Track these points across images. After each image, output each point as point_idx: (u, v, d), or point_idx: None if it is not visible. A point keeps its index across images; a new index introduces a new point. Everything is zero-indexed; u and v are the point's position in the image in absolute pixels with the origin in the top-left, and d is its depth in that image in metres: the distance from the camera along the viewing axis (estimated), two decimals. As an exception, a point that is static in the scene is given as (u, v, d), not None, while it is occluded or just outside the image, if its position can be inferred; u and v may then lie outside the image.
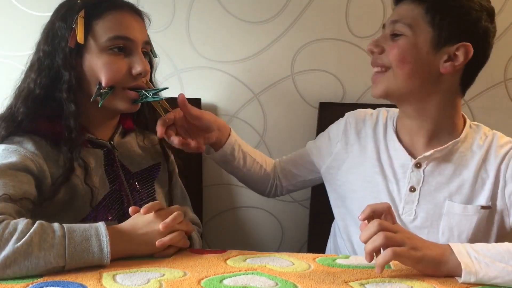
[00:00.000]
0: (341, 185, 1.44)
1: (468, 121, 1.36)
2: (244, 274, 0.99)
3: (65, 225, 1.03)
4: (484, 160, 1.31)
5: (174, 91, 1.93)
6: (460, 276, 0.98)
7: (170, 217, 1.13)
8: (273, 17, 1.90)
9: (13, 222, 1.00)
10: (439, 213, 1.30)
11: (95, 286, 0.93)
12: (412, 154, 1.34)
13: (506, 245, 1.03)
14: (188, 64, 1.92)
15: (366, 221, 1.05)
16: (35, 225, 1.00)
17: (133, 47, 1.25)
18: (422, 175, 1.31)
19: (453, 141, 1.31)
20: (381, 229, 1.00)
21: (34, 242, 0.97)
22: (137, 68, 1.24)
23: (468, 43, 1.23)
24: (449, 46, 1.24)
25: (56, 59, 1.22)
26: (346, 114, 1.52)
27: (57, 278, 0.96)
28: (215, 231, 2.02)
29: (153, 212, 1.14)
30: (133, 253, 1.10)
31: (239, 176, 1.55)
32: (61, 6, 1.27)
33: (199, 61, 1.92)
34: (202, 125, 1.36)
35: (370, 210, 1.05)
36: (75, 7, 1.23)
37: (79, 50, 1.22)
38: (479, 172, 1.30)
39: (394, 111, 1.44)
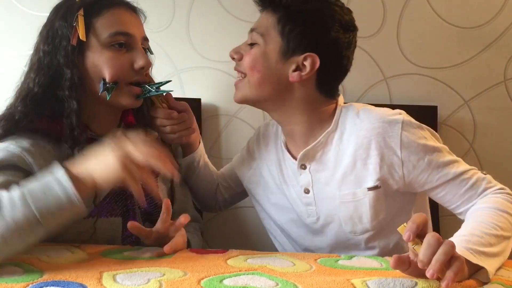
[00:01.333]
0: (254, 196, 1.48)
1: (339, 107, 1.32)
2: (244, 274, 0.99)
3: (21, 185, 1.03)
4: (361, 140, 1.26)
5: (174, 91, 1.93)
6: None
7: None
8: (273, 17, 1.90)
9: None
10: (336, 206, 1.29)
11: (95, 286, 0.92)
12: (295, 158, 1.34)
13: (480, 223, 1.08)
14: (188, 64, 1.92)
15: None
16: None
17: (134, 42, 1.28)
18: (310, 175, 1.32)
19: (324, 133, 1.30)
20: (442, 242, 0.91)
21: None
22: (139, 62, 1.27)
23: (314, 54, 1.23)
24: (296, 56, 1.25)
25: (57, 57, 1.23)
26: (260, 126, 1.54)
27: (57, 278, 0.95)
28: (215, 231, 2.02)
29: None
30: (93, 176, 1.04)
31: (194, 184, 1.56)
32: (59, 6, 1.29)
33: (199, 61, 1.92)
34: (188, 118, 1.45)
35: (416, 227, 0.93)
36: (74, 6, 1.25)
37: (81, 48, 1.24)
38: (358, 154, 1.26)
39: None
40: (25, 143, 1.18)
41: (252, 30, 1.31)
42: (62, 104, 1.23)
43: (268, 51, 1.27)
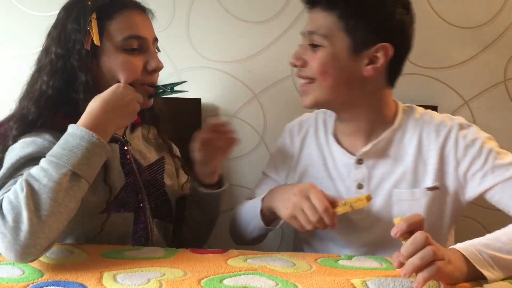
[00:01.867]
0: None
1: (400, 106, 1.35)
2: (244, 274, 0.99)
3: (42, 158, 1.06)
4: (421, 141, 1.30)
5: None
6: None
7: None
8: (273, 17, 1.90)
9: (10, 187, 1.03)
10: (389, 204, 1.30)
11: (95, 285, 0.93)
12: (352, 153, 1.33)
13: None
14: (188, 64, 1.92)
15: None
16: (22, 175, 1.03)
17: (146, 45, 1.30)
18: (366, 171, 1.31)
19: (387, 130, 1.31)
20: (428, 243, 0.94)
21: (33, 179, 1.01)
22: (152, 65, 1.29)
23: (386, 43, 1.22)
24: (367, 50, 1.23)
25: (70, 61, 1.23)
26: (286, 126, 1.53)
27: (58, 278, 0.96)
28: (215, 231, 2.01)
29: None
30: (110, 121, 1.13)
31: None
32: (69, 7, 1.28)
33: (199, 61, 1.92)
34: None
35: (407, 226, 0.96)
36: (86, 9, 1.24)
37: (94, 52, 1.24)
38: (419, 155, 1.29)
39: (331, 112, 1.42)
40: (47, 136, 1.19)
41: (310, 33, 1.26)
42: (76, 106, 1.22)
43: (337, 52, 1.23)
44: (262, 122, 1.96)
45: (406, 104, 1.38)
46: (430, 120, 1.32)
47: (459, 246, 1.00)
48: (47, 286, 0.93)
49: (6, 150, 1.18)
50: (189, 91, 1.90)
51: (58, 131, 1.19)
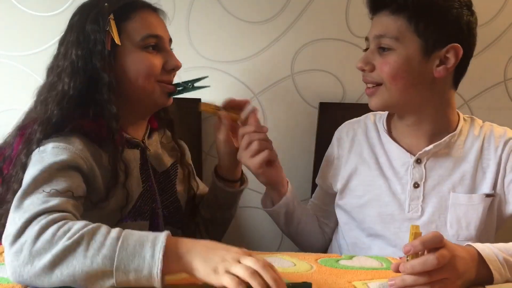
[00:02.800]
0: (341, 192, 1.45)
1: (461, 115, 1.38)
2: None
3: (125, 230, 0.96)
4: (482, 150, 1.33)
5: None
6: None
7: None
8: (273, 17, 1.90)
9: (71, 222, 0.95)
10: (445, 206, 1.31)
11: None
12: (410, 152, 1.35)
13: None
14: (188, 64, 1.91)
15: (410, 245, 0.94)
16: (90, 225, 0.95)
17: (163, 44, 1.30)
18: (424, 170, 1.32)
19: (450, 134, 1.32)
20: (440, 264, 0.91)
21: (85, 240, 0.92)
22: (171, 63, 1.31)
23: (456, 44, 1.23)
24: (438, 51, 1.24)
25: (92, 62, 1.22)
26: (336, 132, 1.53)
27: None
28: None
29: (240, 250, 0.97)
30: (189, 270, 0.94)
31: (297, 231, 1.51)
32: (85, 11, 1.27)
33: (199, 61, 1.92)
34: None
35: (422, 247, 0.92)
36: (104, 10, 1.24)
37: (114, 52, 1.24)
38: (479, 162, 1.32)
39: (381, 114, 1.46)
40: (77, 143, 1.16)
41: (379, 36, 1.26)
42: (101, 107, 1.21)
43: (409, 54, 1.23)
44: (262, 122, 1.95)
45: (466, 115, 1.40)
46: (492, 130, 1.36)
47: (476, 244, 1.01)
48: (47, 286, 0.93)
49: (30, 154, 1.14)
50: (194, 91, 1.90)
51: (85, 135, 1.18)
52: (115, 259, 0.90)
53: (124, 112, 1.25)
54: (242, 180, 1.48)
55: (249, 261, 0.92)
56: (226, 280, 0.89)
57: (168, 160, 1.44)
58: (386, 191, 1.35)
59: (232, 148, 1.38)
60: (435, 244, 0.93)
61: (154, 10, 1.34)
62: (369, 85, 1.31)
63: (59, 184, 1.05)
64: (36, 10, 1.87)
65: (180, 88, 1.34)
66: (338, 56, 1.92)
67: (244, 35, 1.91)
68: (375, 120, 1.45)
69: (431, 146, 1.31)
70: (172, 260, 0.92)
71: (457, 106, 1.91)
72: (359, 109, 1.52)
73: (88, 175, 1.15)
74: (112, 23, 1.23)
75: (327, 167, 1.50)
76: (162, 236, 0.93)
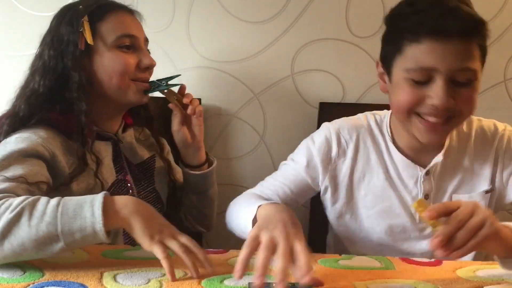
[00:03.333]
0: (348, 202, 1.37)
1: None
2: (245, 274, 0.99)
3: (64, 197, 1.01)
4: (475, 147, 1.32)
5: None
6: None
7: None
8: (273, 17, 1.90)
9: (12, 198, 1.00)
10: None
11: (95, 285, 0.93)
12: (418, 163, 1.31)
13: None
14: (188, 64, 1.92)
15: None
16: (31, 197, 1.00)
17: (138, 44, 1.36)
18: (433, 181, 1.31)
19: (447, 139, 1.30)
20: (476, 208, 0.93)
21: (27, 211, 0.97)
22: (145, 62, 1.36)
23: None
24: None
25: (63, 61, 1.30)
26: (331, 127, 1.39)
27: (58, 278, 0.96)
28: (215, 231, 2.01)
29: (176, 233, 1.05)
30: (127, 226, 1.01)
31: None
32: (62, 13, 1.35)
33: (199, 61, 1.92)
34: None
35: (444, 210, 0.93)
36: (79, 13, 1.31)
37: (88, 52, 1.31)
38: (474, 159, 1.31)
39: (380, 114, 1.40)
40: (42, 133, 1.23)
41: (465, 69, 1.11)
42: (70, 104, 1.28)
43: (478, 82, 1.16)
44: (262, 122, 1.96)
45: None
46: (482, 126, 1.34)
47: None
48: (47, 286, 0.93)
49: None
50: (189, 91, 1.90)
51: (54, 126, 1.26)
52: (58, 224, 0.96)
53: (98, 108, 1.34)
54: (210, 163, 1.54)
55: (185, 239, 1.02)
56: (157, 248, 0.98)
57: (144, 153, 1.51)
58: (397, 203, 1.32)
59: (185, 136, 1.44)
60: (455, 204, 0.94)
61: (129, 11, 1.40)
62: (439, 120, 1.16)
63: (15, 171, 1.11)
64: (36, 10, 1.88)
65: (155, 86, 1.39)
66: (338, 56, 1.92)
67: (244, 35, 1.91)
68: (378, 123, 1.38)
69: (440, 157, 1.28)
70: (111, 216, 0.99)
71: (457, 106, 1.93)
72: (359, 109, 1.52)
73: (49, 162, 1.21)
74: (86, 24, 1.30)
75: (320, 162, 1.36)
76: (99, 196, 1.00)
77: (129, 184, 1.40)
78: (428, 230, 1.32)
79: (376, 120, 1.39)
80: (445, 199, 1.32)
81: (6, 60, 1.89)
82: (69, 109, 1.28)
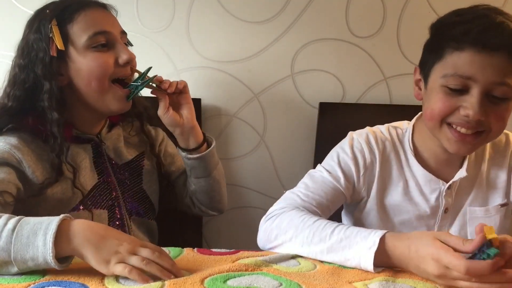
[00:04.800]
0: (368, 213, 1.37)
1: None
2: (249, 274, 0.99)
3: (22, 219, 0.99)
4: (490, 159, 1.32)
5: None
6: None
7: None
8: (273, 17, 1.90)
9: None
10: (465, 222, 1.31)
11: (97, 286, 0.93)
12: (440, 177, 1.30)
13: None
14: (188, 64, 1.92)
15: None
16: None
17: (113, 39, 1.30)
18: (453, 195, 1.31)
19: (473, 154, 1.32)
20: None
21: None
22: (123, 57, 1.29)
23: None
24: None
25: (34, 70, 1.25)
26: (359, 136, 1.37)
27: (59, 278, 0.96)
28: (215, 231, 2.02)
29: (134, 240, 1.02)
30: (80, 256, 0.98)
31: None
32: (31, 21, 1.30)
33: (199, 61, 1.92)
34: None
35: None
36: (46, 17, 1.26)
37: (61, 57, 1.25)
38: (489, 173, 1.32)
39: (401, 128, 1.38)
40: (13, 140, 1.21)
41: (499, 83, 1.11)
42: (42, 114, 1.25)
43: None
44: (262, 122, 1.96)
45: None
46: (499, 138, 1.33)
47: None
48: (48, 286, 0.93)
49: None
50: (189, 91, 1.90)
51: (26, 132, 1.24)
52: (11, 251, 0.94)
53: (78, 112, 1.31)
54: (208, 143, 1.49)
55: (145, 252, 0.97)
56: (118, 269, 0.95)
57: (130, 153, 1.46)
58: (414, 217, 1.32)
59: (172, 117, 1.38)
60: None
61: (100, 5, 1.33)
62: (470, 131, 1.17)
63: None
64: (36, 10, 1.88)
65: (133, 89, 1.32)
66: (338, 56, 1.92)
67: (244, 35, 1.91)
68: (399, 137, 1.36)
69: (464, 172, 1.27)
70: (63, 245, 0.96)
71: (457, 106, 1.93)
72: (359, 109, 1.52)
73: (19, 168, 1.20)
74: (55, 29, 1.24)
75: (360, 167, 1.33)
76: (54, 222, 0.96)
77: (112, 186, 1.36)
78: None
79: (397, 134, 1.37)
80: (462, 212, 1.32)
81: (6, 60, 1.88)
82: (42, 116, 1.25)
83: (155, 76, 1.36)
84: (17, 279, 0.95)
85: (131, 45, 1.41)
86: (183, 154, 1.45)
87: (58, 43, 1.23)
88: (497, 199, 1.31)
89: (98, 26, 1.27)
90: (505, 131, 1.36)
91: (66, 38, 1.25)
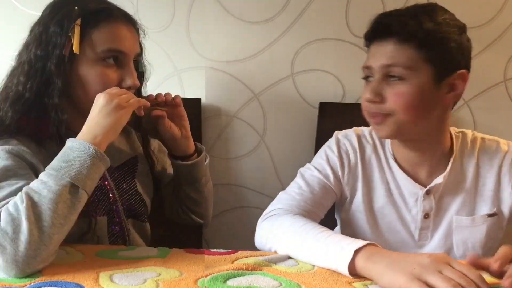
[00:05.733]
0: (355, 215, 1.38)
1: (453, 132, 1.34)
2: (248, 274, 0.99)
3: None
4: (478, 168, 1.31)
5: (174, 91, 1.93)
6: None
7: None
8: (273, 17, 1.90)
9: (5, 208, 1.00)
10: (450, 229, 1.30)
11: (92, 286, 0.93)
12: (418, 182, 1.31)
13: None
14: (188, 64, 1.92)
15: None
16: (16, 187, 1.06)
17: (126, 60, 1.26)
18: (433, 201, 1.30)
19: (451, 159, 1.30)
20: None
21: (31, 190, 1.01)
22: (128, 82, 1.25)
23: (464, 70, 1.21)
24: (447, 78, 1.21)
25: (48, 64, 1.20)
26: (341, 137, 1.41)
27: (55, 278, 0.96)
28: (215, 231, 2.02)
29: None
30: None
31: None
32: (55, 9, 1.25)
33: (199, 61, 1.92)
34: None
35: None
36: (72, 14, 1.20)
37: (71, 58, 1.21)
38: (477, 181, 1.31)
39: None
40: (15, 143, 1.17)
41: (389, 66, 1.20)
42: (46, 110, 1.21)
43: (421, 83, 1.19)
44: (262, 122, 1.96)
45: (456, 130, 1.36)
46: (485, 145, 1.33)
47: None
48: (44, 286, 0.93)
49: None
50: (189, 91, 1.91)
51: (25, 135, 1.20)
52: (60, 174, 1.03)
53: (74, 113, 1.25)
54: (199, 151, 1.48)
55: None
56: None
57: (125, 154, 1.43)
58: (397, 220, 1.33)
59: (173, 132, 1.39)
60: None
61: (129, 22, 1.29)
62: (377, 117, 1.24)
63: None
64: (36, 10, 1.87)
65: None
66: (338, 56, 1.92)
67: (244, 35, 1.91)
68: (380, 139, 1.39)
69: (440, 179, 1.28)
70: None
71: (457, 106, 1.92)
72: (359, 109, 1.51)
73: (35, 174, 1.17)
74: (77, 29, 1.19)
75: (344, 166, 1.37)
76: (71, 140, 1.10)
77: (108, 188, 1.33)
78: (427, 247, 1.32)
79: (379, 137, 1.38)
80: (447, 219, 1.31)
81: (6, 60, 1.89)
82: (44, 115, 1.21)
83: (148, 96, 1.35)
84: (14, 279, 0.96)
85: (142, 69, 1.39)
86: (175, 161, 1.45)
87: (75, 45, 1.19)
88: (485, 208, 1.30)
89: (117, 44, 1.23)
90: (495, 138, 1.35)
91: (83, 42, 1.21)
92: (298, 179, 1.36)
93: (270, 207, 1.31)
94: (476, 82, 1.91)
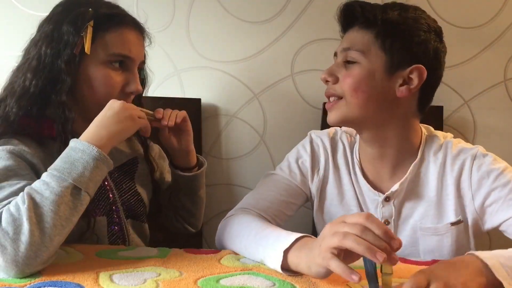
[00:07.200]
0: (325, 215, 1.39)
1: (423, 135, 1.32)
2: (240, 274, 1.00)
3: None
4: (441, 175, 1.28)
5: (174, 91, 1.93)
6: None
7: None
8: (273, 17, 1.90)
9: (7, 208, 0.99)
10: (415, 238, 1.28)
11: (92, 286, 0.93)
12: (378, 188, 1.31)
13: None
14: (188, 64, 1.92)
15: None
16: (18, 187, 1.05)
17: (131, 65, 1.28)
18: (393, 208, 1.29)
19: (412, 165, 1.28)
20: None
21: (33, 191, 1.01)
22: (131, 87, 1.28)
23: (421, 65, 1.20)
24: (402, 70, 1.20)
25: (58, 62, 1.21)
26: (315, 137, 1.42)
27: (55, 278, 0.96)
28: (215, 231, 2.01)
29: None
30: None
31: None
32: (68, 8, 1.25)
33: (199, 61, 1.92)
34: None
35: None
36: (86, 15, 1.22)
37: (81, 58, 1.22)
38: (440, 189, 1.27)
39: (352, 135, 1.40)
40: (15, 142, 1.17)
41: (346, 49, 1.24)
42: (52, 107, 1.21)
43: (372, 69, 1.20)
44: (262, 122, 1.96)
45: (429, 133, 1.34)
46: (448, 152, 1.29)
47: (480, 254, 0.94)
48: (44, 286, 0.93)
49: None
50: (189, 91, 1.91)
51: (26, 135, 1.19)
52: (63, 176, 1.03)
53: (76, 113, 1.24)
54: (200, 164, 1.51)
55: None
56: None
57: (125, 155, 1.43)
58: None
59: (170, 143, 1.42)
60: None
61: (138, 29, 1.31)
62: (330, 99, 1.27)
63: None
64: (36, 10, 1.88)
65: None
66: (338, 56, 1.91)
67: (244, 35, 1.91)
68: (350, 143, 1.39)
69: (397, 186, 1.27)
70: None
71: (457, 106, 1.93)
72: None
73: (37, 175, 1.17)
74: (90, 30, 1.21)
75: (314, 166, 1.39)
76: (71, 142, 1.10)
77: (108, 188, 1.33)
78: None
79: (349, 142, 1.39)
80: (409, 226, 1.29)
81: (6, 60, 1.89)
82: (49, 112, 1.22)
83: (155, 111, 1.35)
84: (14, 279, 0.96)
85: (144, 76, 1.40)
86: (176, 171, 1.47)
87: (87, 46, 1.21)
88: (450, 216, 1.26)
89: (126, 49, 1.26)
90: (463, 144, 1.31)
91: (93, 43, 1.22)
92: (261, 181, 1.41)
93: (233, 209, 1.35)
94: (476, 82, 1.91)
